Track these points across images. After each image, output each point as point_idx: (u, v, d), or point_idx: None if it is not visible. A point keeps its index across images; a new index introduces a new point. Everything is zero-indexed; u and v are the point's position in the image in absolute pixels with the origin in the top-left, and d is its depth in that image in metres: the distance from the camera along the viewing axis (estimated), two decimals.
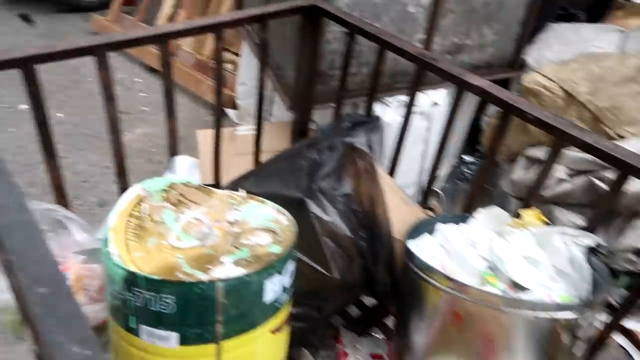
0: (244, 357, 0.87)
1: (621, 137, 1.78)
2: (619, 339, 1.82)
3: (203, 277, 0.79)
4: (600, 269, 1.06)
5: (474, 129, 2.51)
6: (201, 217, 0.97)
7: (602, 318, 1.00)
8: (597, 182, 1.74)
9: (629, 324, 1.83)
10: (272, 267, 0.85)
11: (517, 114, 1.18)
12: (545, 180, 1.75)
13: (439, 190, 2.34)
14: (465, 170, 2.72)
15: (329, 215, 1.10)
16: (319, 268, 1.11)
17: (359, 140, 1.12)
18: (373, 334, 1.45)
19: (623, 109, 1.76)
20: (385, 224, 1.12)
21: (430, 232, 1.20)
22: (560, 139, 1.10)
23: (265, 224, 0.97)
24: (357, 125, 1.18)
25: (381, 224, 1.12)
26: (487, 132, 2.34)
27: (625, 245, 1.77)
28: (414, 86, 1.40)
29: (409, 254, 1.08)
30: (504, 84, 2.20)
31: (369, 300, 1.54)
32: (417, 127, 1.99)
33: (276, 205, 1.03)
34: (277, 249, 0.89)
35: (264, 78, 1.57)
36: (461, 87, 1.29)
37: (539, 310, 0.91)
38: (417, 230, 1.20)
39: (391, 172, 1.62)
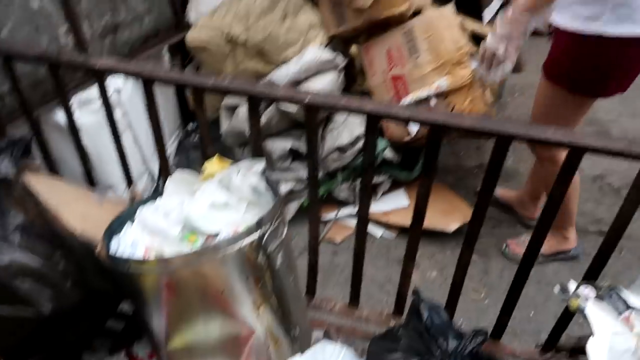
0: None
1: (286, 61, 2.00)
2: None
3: None
4: (274, 186, 1.21)
5: (183, 98, 2.54)
6: None
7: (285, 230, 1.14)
8: (282, 107, 1.94)
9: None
10: None
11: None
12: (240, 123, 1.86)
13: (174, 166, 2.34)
14: (193, 139, 2.77)
15: (6, 255, 1.02)
16: (26, 315, 1.04)
17: (3, 167, 1.04)
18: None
19: (276, 36, 1.94)
20: (73, 236, 1.09)
21: (133, 220, 1.20)
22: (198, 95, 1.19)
23: None
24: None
25: (69, 237, 1.08)
26: (191, 97, 2.39)
27: (328, 148, 2.05)
28: (59, 90, 1.35)
29: (109, 255, 1.07)
30: None
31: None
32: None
33: None
34: None
35: None
36: (99, 75, 1.30)
37: (226, 247, 1.01)
38: (119, 224, 1.19)
39: (89, 174, 1.55)
